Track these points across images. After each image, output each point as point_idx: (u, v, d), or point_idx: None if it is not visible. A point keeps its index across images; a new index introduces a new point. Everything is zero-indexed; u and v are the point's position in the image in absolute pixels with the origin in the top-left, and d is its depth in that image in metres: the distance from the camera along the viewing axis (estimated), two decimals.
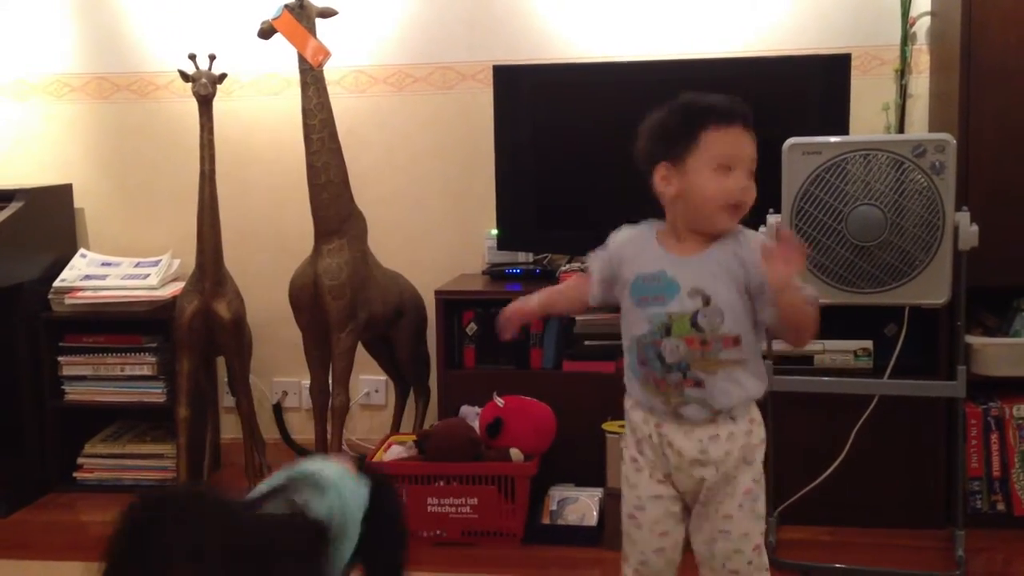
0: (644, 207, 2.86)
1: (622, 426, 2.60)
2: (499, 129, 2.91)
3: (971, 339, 2.57)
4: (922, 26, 2.94)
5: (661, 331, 1.63)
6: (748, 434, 1.68)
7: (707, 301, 1.62)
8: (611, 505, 2.60)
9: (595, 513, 2.65)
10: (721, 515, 1.67)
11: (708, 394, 1.63)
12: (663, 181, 1.67)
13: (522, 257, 3.07)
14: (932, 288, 2.32)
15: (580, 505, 2.68)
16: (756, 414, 1.71)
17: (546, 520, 2.67)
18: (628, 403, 1.77)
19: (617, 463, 2.58)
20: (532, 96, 2.90)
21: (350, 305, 2.74)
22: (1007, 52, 2.54)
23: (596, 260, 1.78)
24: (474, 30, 3.14)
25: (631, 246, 1.72)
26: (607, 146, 2.88)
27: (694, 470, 1.66)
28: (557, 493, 2.72)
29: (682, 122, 1.64)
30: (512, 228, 2.97)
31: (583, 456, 2.70)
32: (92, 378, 3.13)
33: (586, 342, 2.82)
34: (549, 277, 2.95)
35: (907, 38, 2.93)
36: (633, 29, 3.06)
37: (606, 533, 2.59)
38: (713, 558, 1.69)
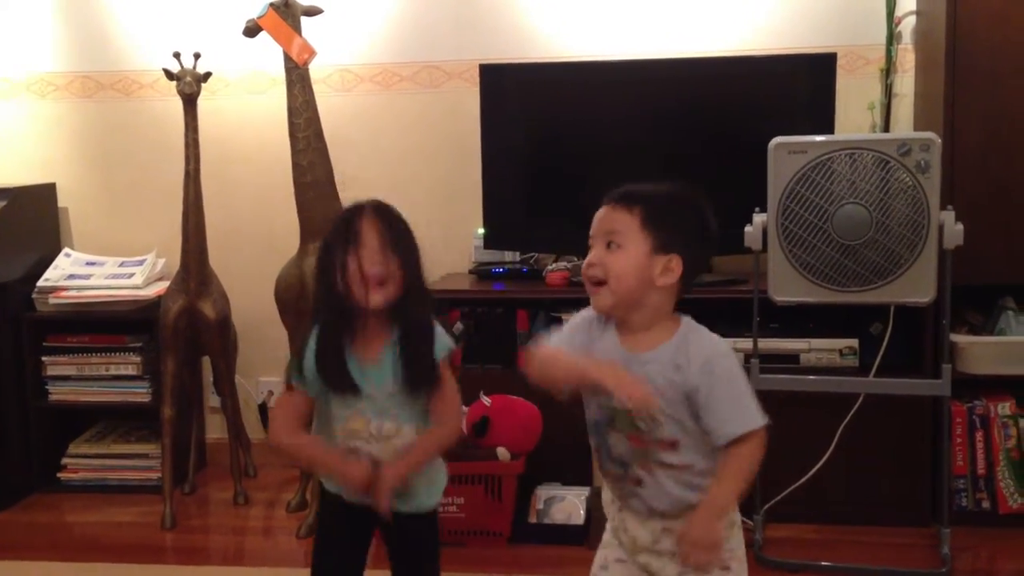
0: None
1: None
2: (486, 128, 2.90)
3: (956, 337, 2.58)
4: (907, 25, 2.95)
5: (608, 423, 1.57)
6: None
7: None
8: (597, 504, 2.60)
9: (582, 512, 2.65)
10: None
11: (647, 494, 1.56)
12: None
13: (509, 256, 3.07)
14: (917, 287, 2.33)
15: (567, 504, 2.68)
16: (732, 515, 1.60)
17: (533, 519, 2.67)
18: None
19: None
20: (519, 95, 2.90)
21: None
22: (992, 51, 2.55)
23: (566, 333, 1.64)
24: (460, 29, 3.13)
25: (583, 334, 1.60)
26: (594, 144, 2.90)
27: (650, 560, 1.60)
28: (544, 492, 2.72)
29: None
30: (499, 227, 2.97)
31: (570, 455, 2.69)
32: (76, 378, 3.12)
33: None
34: (536, 276, 2.95)
35: (892, 37, 2.93)
36: (620, 28, 3.06)
37: (592, 532, 2.59)
38: None
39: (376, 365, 1.68)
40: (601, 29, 3.06)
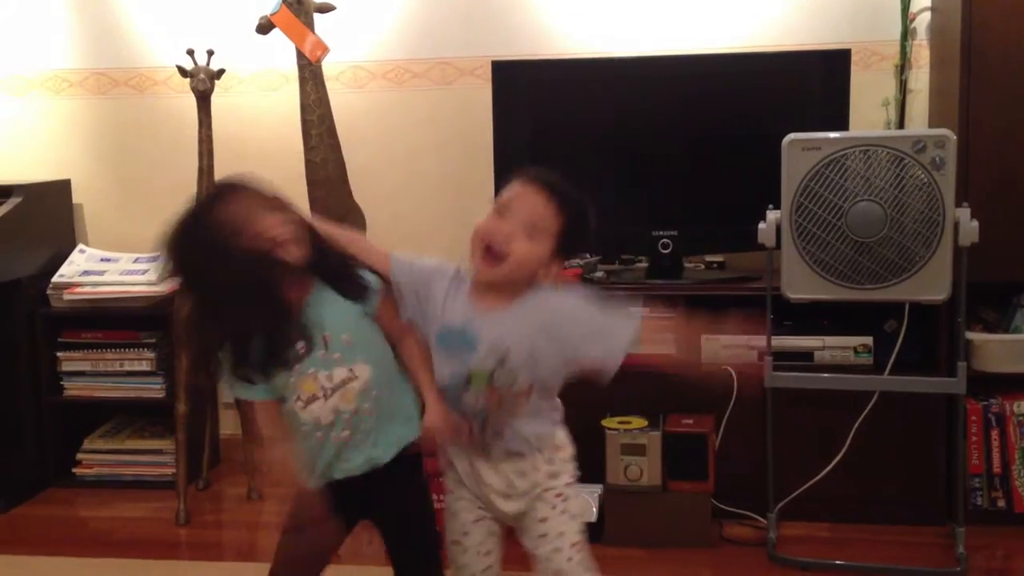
0: (643, 201, 2.88)
1: (621, 422, 2.63)
2: (497, 124, 2.89)
3: (972, 335, 2.57)
4: (922, 21, 2.93)
5: (462, 384, 1.65)
6: (550, 462, 1.73)
7: (503, 360, 1.62)
8: (611, 501, 2.60)
9: (594, 509, 2.65)
10: (537, 519, 1.72)
11: (506, 442, 1.68)
12: None
13: None
14: (932, 284, 2.32)
15: (579, 501, 2.66)
16: (560, 440, 1.76)
17: None
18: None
19: (616, 459, 2.60)
20: (531, 91, 2.89)
21: None
22: (1007, 47, 2.53)
23: (406, 273, 1.71)
24: (472, 25, 3.13)
25: (440, 284, 1.68)
26: (607, 141, 2.89)
27: (505, 503, 1.71)
28: None
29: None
30: None
31: (582, 452, 2.67)
32: (91, 373, 3.13)
33: None
34: None
35: (907, 33, 2.92)
36: (632, 24, 3.05)
37: (607, 529, 2.59)
38: (538, 560, 1.73)
39: (305, 313, 1.66)
40: (612, 25, 3.06)
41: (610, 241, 2.85)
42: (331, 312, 1.67)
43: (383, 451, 1.71)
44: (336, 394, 1.67)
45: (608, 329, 1.64)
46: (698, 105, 2.82)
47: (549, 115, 2.90)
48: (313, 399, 1.67)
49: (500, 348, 1.62)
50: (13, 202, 3.07)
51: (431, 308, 1.67)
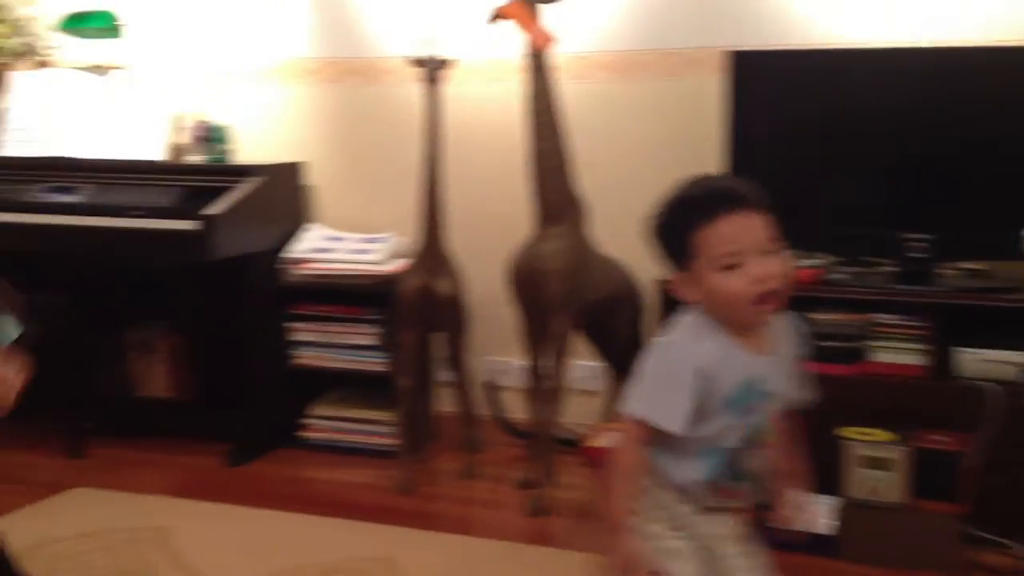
0: (891, 201, 2.72)
1: (861, 433, 2.51)
2: (734, 117, 2.80)
3: None
4: None
5: (749, 442, 1.52)
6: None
7: (779, 405, 1.54)
8: (848, 514, 2.49)
9: (827, 521, 2.50)
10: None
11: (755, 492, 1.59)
12: (683, 291, 1.50)
13: None
14: None
15: (811, 512, 2.56)
16: None
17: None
18: (657, 482, 1.57)
19: (853, 469, 2.50)
20: (767, 83, 2.79)
21: (569, 290, 2.77)
22: None
23: (680, 384, 1.46)
24: (702, 14, 3.09)
25: (711, 351, 1.47)
26: (848, 138, 2.74)
27: (725, 547, 1.59)
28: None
29: (673, 231, 1.48)
30: None
31: (817, 462, 2.58)
32: (319, 344, 3.33)
33: (824, 343, 2.65)
34: None
35: None
36: (877, 12, 2.92)
37: (843, 542, 2.47)
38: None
39: None
40: (857, 13, 2.94)
41: (853, 242, 2.72)
42: None
43: None
44: None
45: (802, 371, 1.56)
46: (951, 101, 2.64)
47: (787, 108, 2.79)
48: None
49: (779, 394, 1.52)
50: (255, 182, 3.28)
51: (720, 379, 1.48)
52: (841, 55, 2.84)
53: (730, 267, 1.43)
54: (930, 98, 2.66)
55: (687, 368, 1.45)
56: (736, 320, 1.47)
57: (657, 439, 1.49)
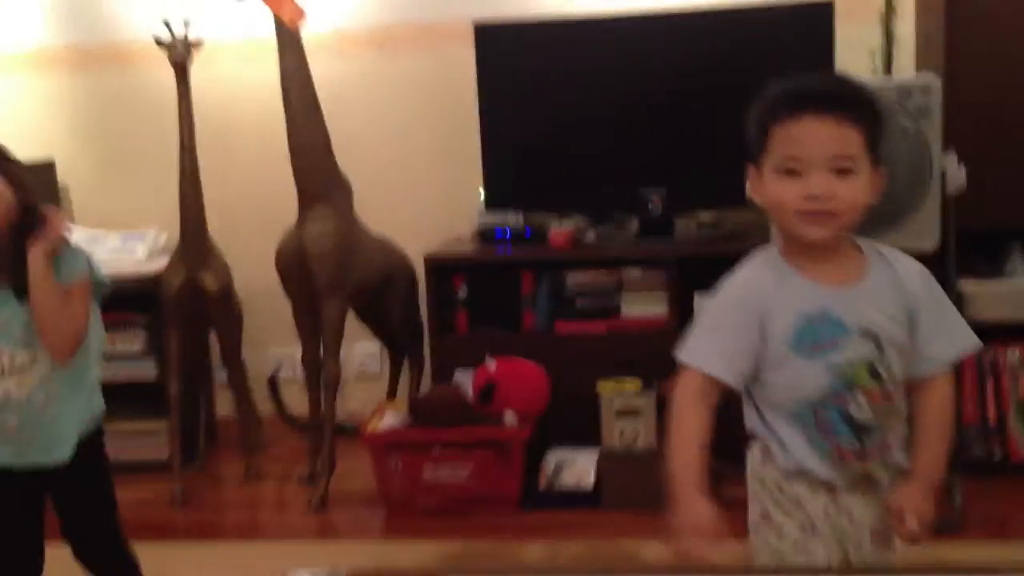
0: (630, 164, 2.85)
1: (616, 383, 2.61)
2: (482, 88, 2.86)
3: (964, 284, 2.55)
4: None
5: (844, 385, 1.33)
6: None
7: (879, 344, 1.34)
8: (606, 466, 2.59)
9: (591, 475, 2.63)
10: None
11: (894, 459, 1.39)
12: (751, 187, 1.39)
13: (512, 218, 3.02)
14: (921, 233, 2.30)
15: (577, 468, 2.66)
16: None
17: (544, 484, 2.64)
18: (773, 471, 1.41)
19: (611, 422, 2.59)
20: (514, 54, 2.86)
21: (338, 272, 2.70)
22: None
23: (725, 324, 1.35)
24: None
25: (763, 283, 1.35)
26: (591, 102, 2.86)
27: (881, 548, 1.40)
28: (554, 456, 2.70)
29: (756, 119, 1.37)
30: (499, 188, 2.94)
31: (578, 417, 2.68)
32: None
33: (578, 302, 2.80)
34: (540, 238, 2.90)
35: None
36: None
37: (604, 494, 2.58)
38: None
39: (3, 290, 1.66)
40: None
41: (601, 201, 2.83)
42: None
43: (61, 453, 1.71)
44: (13, 378, 1.68)
45: (954, 323, 1.39)
46: (683, 63, 2.81)
47: (533, 77, 2.87)
48: None
49: (871, 330, 1.33)
50: None
51: (775, 316, 1.34)
52: (572, 25, 2.92)
53: (790, 172, 1.31)
54: (657, 61, 2.82)
55: (729, 302, 1.35)
56: (789, 233, 1.34)
57: (748, 399, 1.36)
